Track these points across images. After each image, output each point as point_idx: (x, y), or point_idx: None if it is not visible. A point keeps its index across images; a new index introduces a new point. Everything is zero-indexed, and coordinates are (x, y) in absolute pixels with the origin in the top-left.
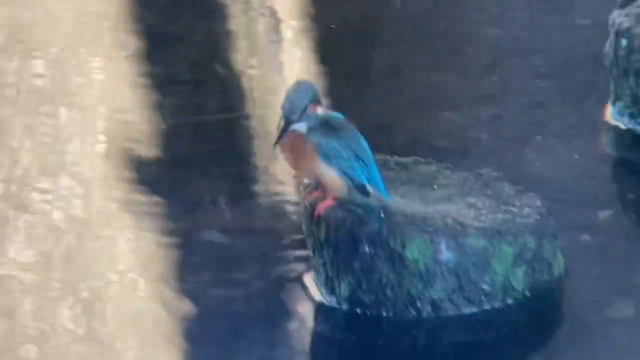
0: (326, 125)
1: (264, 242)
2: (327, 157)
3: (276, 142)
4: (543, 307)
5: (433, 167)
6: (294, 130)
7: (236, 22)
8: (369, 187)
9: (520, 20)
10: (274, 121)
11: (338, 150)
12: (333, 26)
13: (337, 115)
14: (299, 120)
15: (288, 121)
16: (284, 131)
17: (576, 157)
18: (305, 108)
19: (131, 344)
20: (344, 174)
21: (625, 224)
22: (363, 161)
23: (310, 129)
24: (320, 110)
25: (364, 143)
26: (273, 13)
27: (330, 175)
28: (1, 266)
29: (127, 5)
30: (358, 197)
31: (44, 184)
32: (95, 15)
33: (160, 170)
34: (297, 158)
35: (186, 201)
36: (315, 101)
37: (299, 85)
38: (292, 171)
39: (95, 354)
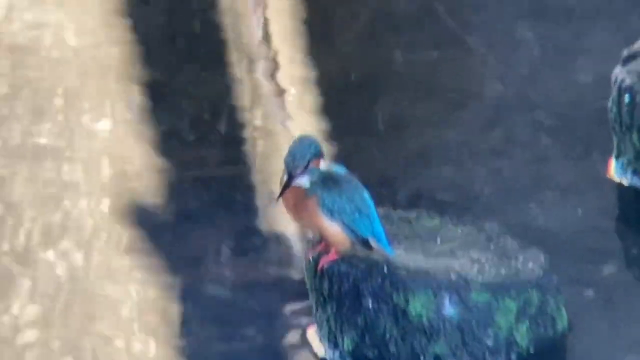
0: (329, 179)
1: (267, 296)
2: (330, 211)
3: (279, 197)
4: None
5: (436, 221)
6: (297, 185)
7: (240, 75)
8: (372, 241)
9: (523, 75)
10: (278, 175)
11: (341, 205)
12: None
13: (339, 168)
14: (301, 174)
15: (291, 175)
16: (286, 186)
17: (579, 212)
18: (308, 163)
19: None
20: (347, 228)
21: (630, 279)
22: (366, 215)
23: (313, 183)
24: (322, 165)
25: (367, 197)
26: (276, 67)
27: (333, 230)
28: (4, 323)
29: (130, 59)
30: (361, 251)
31: (47, 240)
32: (98, 69)
33: (163, 224)
34: (299, 212)
35: (189, 255)
36: (318, 156)
37: (302, 140)
38: (295, 225)
39: None
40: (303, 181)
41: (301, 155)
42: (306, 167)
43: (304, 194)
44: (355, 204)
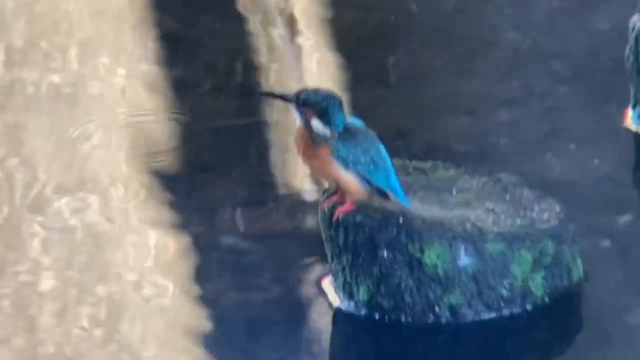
0: (344, 131)
1: (282, 247)
2: (345, 162)
3: (267, 93)
4: (562, 312)
5: (452, 172)
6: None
7: (255, 26)
8: (387, 192)
9: (539, 24)
10: (293, 126)
11: (356, 156)
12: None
13: (357, 121)
14: (295, 108)
15: (292, 96)
16: (282, 96)
17: (596, 161)
18: (303, 105)
19: (149, 347)
20: (363, 178)
21: None
22: (382, 168)
23: (319, 136)
24: (315, 122)
25: (382, 150)
26: (292, 18)
27: (348, 179)
28: (21, 271)
29: (145, 9)
30: (377, 202)
31: (63, 190)
32: (113, 19)
33: (179, 174)
34: (309, 159)
35: (205, 206)
36: (319, 113)
37: (321, 90)
38: (310, 175)
39: (114, 356)
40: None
41: (304, 94)
42: (300, 105)
43: (312, 142)
44: (370, 156)
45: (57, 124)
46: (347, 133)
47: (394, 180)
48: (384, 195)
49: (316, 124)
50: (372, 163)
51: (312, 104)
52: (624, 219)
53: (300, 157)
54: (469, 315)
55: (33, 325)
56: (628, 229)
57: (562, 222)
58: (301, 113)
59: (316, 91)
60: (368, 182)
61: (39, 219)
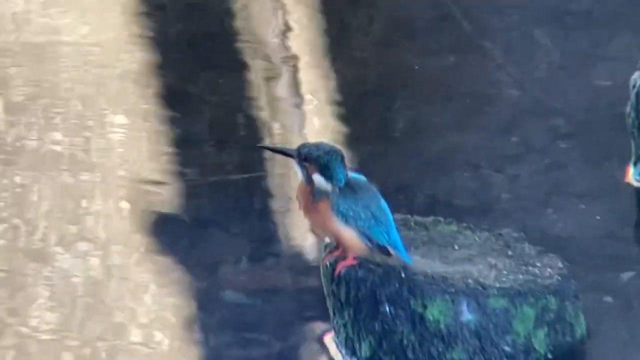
0: (345, 186)
1: (283, 302)
2: (344, 217)
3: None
4: None
5: (453, 227)
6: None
7: (257, 82)
8: (388, 249)
9: (540, 81)
10: (295, 182)
11: (356, 211)
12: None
13: (359, 176)
14: (297, 163)
15: (289, 153)
16: (285, 151)
17: (597, 218)
18: (305, 159)
19: None
20: (363, 234)
21: None
22: (382, 223)
23: (320, 191)
24: (316, 177)
25: (384, 205)
26: (294, 74)
27: (348, 234)
28: (22, 328)
29: (147, 65)
30: (378, 257)
31: (64, 246)
32: (116, 75)
33: (180, 229)
34: (309, 213)
35: (207, 261)
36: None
37: (323, 145)
38: (312, 231)
39: None
40: (296, 168)
41: (306, 149)
42: (301, 162)
43: (311, 197)
44: (371, 212)
45: (59, 180)
46: (348, 188)
47: (395, 235)
48: (385, 251)
49: (318, 178)
50: (373, 218)
51: (313, 158)
52: (627, 275)
53: (301, 212)
54: None
55: None
56: (631, 285)
57: (564, 278)
58: (302, 167)
59: (317, 146)
60: (368, 238)
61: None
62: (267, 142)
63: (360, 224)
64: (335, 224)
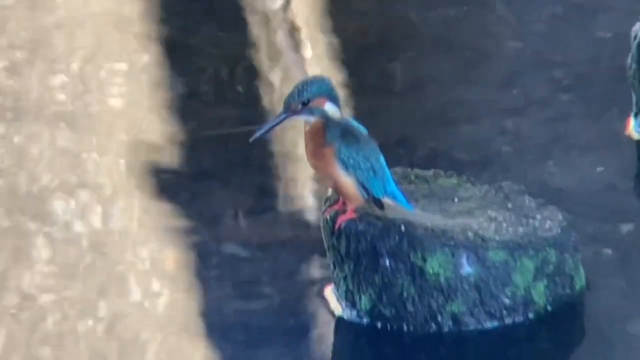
0: (349, 133)
1: (284, 255)
2: (345, 165)
3: (263, 132)
4: (564, 321)
5: (454, 180)
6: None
7: (257, 34)
8: (388, 200)
9: (541, 33)
10: (295, 135)
11: (356, 160)
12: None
13: (361, 127)
14: (299, 113)
15: (284, 111)
16: (277, 121)
17: (598, 170)
18: (308, 101)
19: (149, 353)
20: (361, 184)
21: None
22: (380, 177)
23: (333, 133)
24: (327, 106)
25: (382, 159)
26: (294, 26)
27: (346, 183)
28: (23, 282)
29: (147, 17)
30: (377, 211)
31: (64, 198)
32: (116, 26)
33: (181, 183)
34: (317, 159)
35: (207, 214)
36: (323, 95)
37: (309, 79)
38: (313, 185)
39: None
40: (301, 118)
41: (301, 92)
42: (305, 104)
43: (323, 141)
44: (370, 164)
45: (60, 131)
46: (352, 136)
47: (393, 188)
48: (379, 204)
49: (330, 108)
50: (372, 170)
51: (316, 93)
52: (626, 227)
53: (308, 156)
54: (471, 323)
55: (33, 334)
56: (630, 237)
57: (564, 231)
58: (309, 111)
59: (309, 82)
60: (365, 189)
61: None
62: (266, 96)
63: (359, 173)
64: (337, 170)
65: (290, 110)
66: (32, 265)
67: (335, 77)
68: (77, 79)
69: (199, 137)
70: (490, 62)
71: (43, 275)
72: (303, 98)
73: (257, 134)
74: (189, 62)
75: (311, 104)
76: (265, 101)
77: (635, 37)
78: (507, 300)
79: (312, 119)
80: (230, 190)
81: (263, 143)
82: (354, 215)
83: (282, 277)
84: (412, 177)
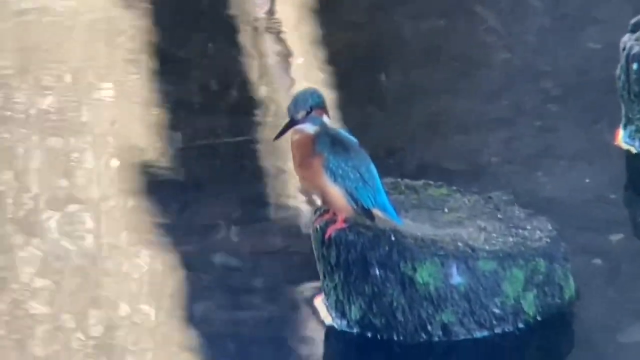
0: (338, 143)
1: (274, 265)
2: (333, 175)
3: (277, 137)
4: (554, 331)
5: (443, 190)
6: (301, 131)
7: (247, 45)
8: (378, 212)
9: (531, 43)
10: (284, 144)
11: (345, 170)
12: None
13: (351, 137)
14: (303, 121)
15: (292, 119)
16: (286, 127)
17: (587, 180)
18: (311, 109)
19: None
20: (349, 195)
21: (637, 247)
22: (370, 186)
23: (322, 142)
24: (326, 118)
25: (372, 168)
26: (284, 37)
27: (335, 193)
28: (13, 293)
29: (137, 28)
30: (368, 220)
31: (54, 209)
32: (106, 37)
33: (171, 192)
34: (304, 169)
35: (197, 224)
36: (321, 106)
37: (305, 90)
38: (302, 193)
39: None
40: (306, 127)
41: (303, 101)
42: (308, 113)
43: (312, 151)
44: (360, 173)
45: (49, 141)
46: (341, 146)
47: (383, 199)
48: (369, 215)
49: (326, 118)
50: (361, 180)
51: (317, 103)
52: (616, 237)
53: (295, 167)
54: (461, 333)
55: (23, 347)
56: (619, 247)
57: (553, 241)
58: (312, 119)
59: (310, 93)
60: (354, 199)
61: (30, 237)
62: (256, 106)
63: (347, 183)
64: (324, 181)
65: (295, 118)
66: (23, 277)
67: (326, 88)
68: (67, 91)
69: (189, 147)
70: (479, 73)
71: (33, 286)
72: (307, 107)
73: (278, 134)
74: (179, 72)
75: (313, 113)
76: (255, 111)
77: (624, 49)
78: (497, 310)
79: (313, 129)
80: (221, 200)
81: (253, 153)
82: (344, 225)
83: (272, 287)
84: (402, 187)
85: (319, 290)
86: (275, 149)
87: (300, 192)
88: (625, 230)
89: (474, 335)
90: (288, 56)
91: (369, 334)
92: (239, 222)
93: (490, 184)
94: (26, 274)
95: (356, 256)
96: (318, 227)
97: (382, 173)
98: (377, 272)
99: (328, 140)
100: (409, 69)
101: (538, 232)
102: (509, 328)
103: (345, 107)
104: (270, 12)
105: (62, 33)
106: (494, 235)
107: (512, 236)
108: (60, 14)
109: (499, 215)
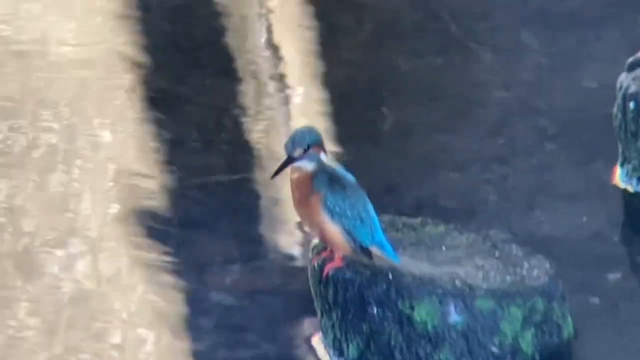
0: (336, 181)
1: (271, 303)
2: (331, 212)
3: (274, 175)
4: None
5: (441, 228)
6: (299, 169)
7: (244, 82)
8: (375, 250)
9: (527, 82)
10: (282, 182)
11: (343, 208)
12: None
13: (348, 175)
14: (301, 158)
15: (289, 157)
16: (284, 165)
17: (584, 219)
18: (308, 147)
19: None
20: (347, 232)
21: (635, 286)
22: (367, 225)
23: (319, 180)
24: (323, 156)
25: (370, 207)
26: (281, 75)
27: (333, 231)
28: (10, 329)
29: (134, 66)
30: (365, 258)
31: (53, 245)
32: (103, 77)
33: (168, 230)
34: (303, 207)
35: (195, 261)
36: (318, 143)
37: (302, 128)
38: (300, 232)
39: None
40: (303, 164)
41: (300, 138)
42: (306, 150)
43: (310, 189)
44: (357, 212)
45: (47, 180)
46: (339, 184)
47: (381, 237)
48: (367, 253)
49: (324, 156)
50: (359, 219)
51: (318, 140)
52: (614, 276)
53: (295, 205)
54: None
55: None
56: (617, 286)
57: (551, 279)
58: (310, 157)
59: (307, 130)
60: (352, 238)
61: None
62: (253, 144)
63: (345, 221)
64: (323, 218)
65: (293, 156)
66: (20, 312)
67: (323, 124)
68: (64, 128)
69: (187, 185)
70: (476, 111)
71: (30, 321)
72: (304, 145)
73: (276, 171)
74: (176, 110)
75: (311, 151)
76: (252, 148)
77: (620, 87)
78: (495, 349)
79: (310, 166)
80: (218, 237)
81: (250, 191)
82: (341, 263)
83: (269, 325)
84: (400, 225)
85: (316, 329)
86: (272, 187)
87: (299, 229)
88: (623, 269)
89: None
90: (286, 93)
91: None
92: (236, 259)
93: (487, 221)
94: (23, 308)
95: (354, 294)
96: (316, 264)
97: (379, 210)
98: (375, 310)
99: (326, 178)
100: (406, 106)
101: (536, 270)
102: None
103: (343, 144)
104: (269, 45)
105: (57, 74)
106: (492, 273)
107: (510, 274)
108: (55, 55)
109: (496, 254)
